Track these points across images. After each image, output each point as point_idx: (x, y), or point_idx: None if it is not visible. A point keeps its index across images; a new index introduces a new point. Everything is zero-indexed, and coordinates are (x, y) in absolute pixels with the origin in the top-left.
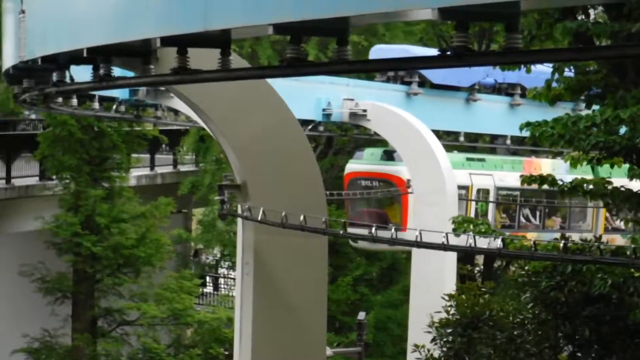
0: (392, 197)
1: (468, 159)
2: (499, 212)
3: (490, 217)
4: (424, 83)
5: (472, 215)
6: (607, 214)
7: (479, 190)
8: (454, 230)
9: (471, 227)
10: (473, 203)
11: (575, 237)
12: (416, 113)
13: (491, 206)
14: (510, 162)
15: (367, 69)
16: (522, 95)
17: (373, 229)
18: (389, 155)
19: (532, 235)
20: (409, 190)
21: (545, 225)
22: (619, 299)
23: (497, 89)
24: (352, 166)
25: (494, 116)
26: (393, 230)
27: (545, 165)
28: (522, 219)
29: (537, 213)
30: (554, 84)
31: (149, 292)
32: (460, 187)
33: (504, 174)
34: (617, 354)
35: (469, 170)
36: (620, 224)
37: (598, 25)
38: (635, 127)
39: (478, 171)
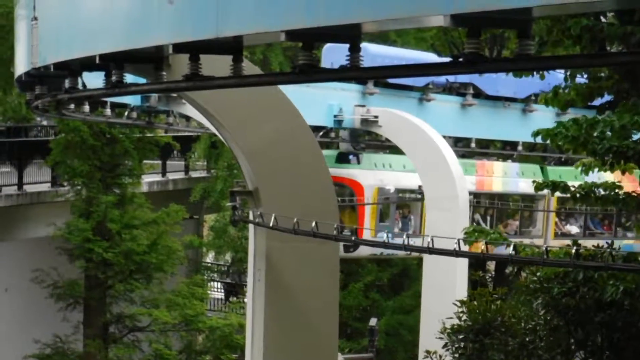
0: (347, 200)
1: None
2: None
3: None
4: (378, 82)
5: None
6: (557, 219)
7: None
8: (465, 239)
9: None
10: None
11: (526, 242)
12: None
13: None
14: (462, 165)
15: (380, 76)
16: (474, 95)
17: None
18: (344, 158)
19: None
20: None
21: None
22: (631, 305)
23: (448, 89)
24: None
25: (447, 116)
26: (405, 237)
27: (498, 168)
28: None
29: (488, 218)
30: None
31: (160, 298)
32: (414, 191)
33: None
34: None
35: None
36: (568, 228)
37: (612, 27)
38: None
39: None
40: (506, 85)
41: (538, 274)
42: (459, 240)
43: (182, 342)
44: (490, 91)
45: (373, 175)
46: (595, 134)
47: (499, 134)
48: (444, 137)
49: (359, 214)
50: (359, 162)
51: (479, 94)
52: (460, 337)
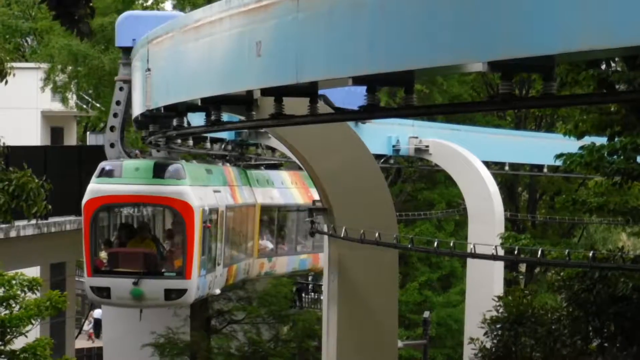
0: (171, 230)
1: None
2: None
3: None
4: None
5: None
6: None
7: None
8: (502, 244)
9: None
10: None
11: None
12: None
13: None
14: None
15: (429, 112)
16: None
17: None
18: (161, 171)
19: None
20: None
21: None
22: (639, 299)
23: None
24: (103, 187)
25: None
26: (452, 244)
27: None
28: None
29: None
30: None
31: (253, 297)
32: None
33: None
34: (637, 345)
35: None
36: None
37: (616, 74)
38: None
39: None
40: None
41: (562, 273)
42: (496, 247)
43: (270, 333)
44: None
45: (202, 193)
46: (605, 159)
47: None
48: None
49: (189, 243)
50: (183, 177)
51: None
52: (498, 326)
